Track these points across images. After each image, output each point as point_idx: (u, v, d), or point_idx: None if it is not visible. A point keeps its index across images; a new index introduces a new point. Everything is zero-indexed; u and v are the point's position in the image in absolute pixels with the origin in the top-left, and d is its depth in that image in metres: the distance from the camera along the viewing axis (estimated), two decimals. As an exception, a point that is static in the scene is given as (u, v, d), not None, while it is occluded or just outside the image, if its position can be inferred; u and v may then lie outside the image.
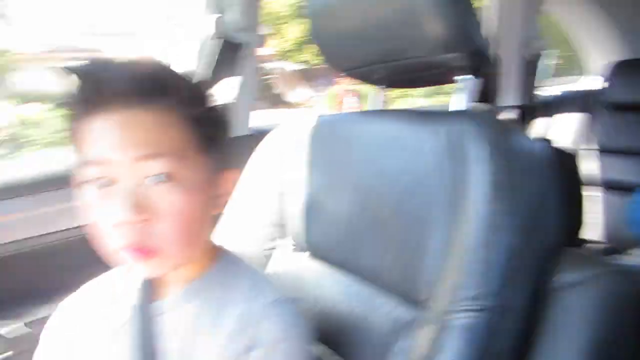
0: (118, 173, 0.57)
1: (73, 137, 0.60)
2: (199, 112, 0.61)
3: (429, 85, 1.02)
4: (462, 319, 0.54)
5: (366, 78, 1.01)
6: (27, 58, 12.56)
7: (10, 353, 1.10)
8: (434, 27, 0.72)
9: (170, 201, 0.57)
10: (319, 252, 0.91)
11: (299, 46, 17.50)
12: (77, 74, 0.57)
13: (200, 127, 0.61)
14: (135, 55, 0.61)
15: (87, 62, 0.58)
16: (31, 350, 1.11)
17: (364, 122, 0.86)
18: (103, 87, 0.56)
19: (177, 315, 0.66)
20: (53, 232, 1.20)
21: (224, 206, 0.69)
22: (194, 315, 0.65)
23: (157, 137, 0.57)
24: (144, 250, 0.57)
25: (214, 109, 0.65)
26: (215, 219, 0.72)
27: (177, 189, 0.57)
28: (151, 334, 0.66)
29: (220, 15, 1.32)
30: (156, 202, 0.57)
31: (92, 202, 0.58)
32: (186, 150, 0.59)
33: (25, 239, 1.17)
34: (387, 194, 0.75)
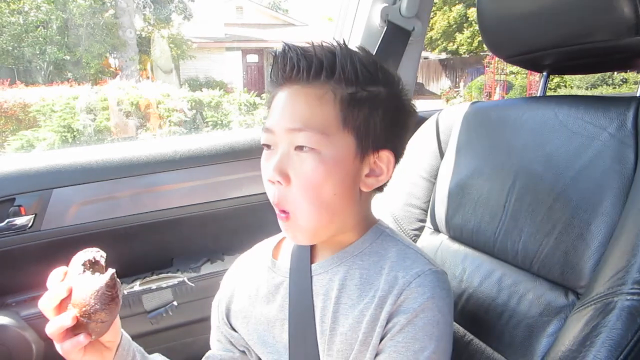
0: (276, 140, 0.67)
1: (268, 108, 0.73)
2: (353, 93, 0.66)
3: (607, 71, 0.96)
4: (626, 301, 0.52)
5: (532, 65, 0.98)
6: (201, 47, 14.17)
7: (175, 303, 1.28)
8: (627, 8, 0.69)
9: (305, 170, 0.65)
10: (459, 235, 0.92)
11: (446, 35, 16.95)
12: (273, 56, 0.69)
13: (352, 107, 0.66)
14: (314, 41, 0.68)
15: (282, 46, 0.68)
16: (192, 301, 1.31)
17: (527, 108, 0.85)
18: (283, 66, 0.67)
19: (328, 277, 0.72)
20: (227, 199, 1.36)
21: (376, 185, 0.71)
22: (342, 279, 0.71)
23: (308, 113, 0.65)
24: (282, 210, 0.67)
25: (376, 92, 0.68)
26: (369, 196, 0.74)
27: (315, 161, 0.64)
28: (307, 292, 0.72)
29: (389, 2, 1.36)
30: (295, 169, 0.65)
31: (263, 159, 0.70)
32: (332, 127, 0.65)
33: (205, 203, 1.34)
34: (554, 180, 0.73)
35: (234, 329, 0.81)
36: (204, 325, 1.33)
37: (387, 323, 0.65)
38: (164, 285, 1.27)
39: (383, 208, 1.07)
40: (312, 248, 0.76)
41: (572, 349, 0.56)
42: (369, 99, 0.67)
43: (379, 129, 0.68)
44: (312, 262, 0.75)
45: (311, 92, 0.65)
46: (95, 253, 0.62)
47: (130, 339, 0.71)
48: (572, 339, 0.57)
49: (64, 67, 11.69)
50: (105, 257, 0.62)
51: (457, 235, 0.93)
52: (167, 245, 1.36)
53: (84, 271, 0.60)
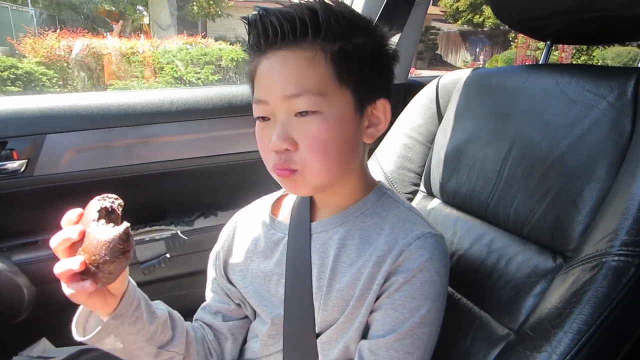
0: (273, 110, 0.66)
1: (249, 79, 0.71)
2: (341, 48, 0.64)
3: (614, 42, 0.96)
4: (613, 262, 0.54)
5: (537, 33, 0.98)
6: (231, 6, 13.92)
7: (167, 255, 1.30)
8: None
9: (310, 132, 0.64)
10: (452, 199, 0.94)
11: (473, 7, 16.67)
12: (248, 22, 0.66)
13: (343, 62, 0.64)
14: (289, 1, 0.66)
15: (256, 11, 0.65)
16: (184, 254, 1.32)
17: (528, 75, 0.85)
18: (265, 32, 0.64)
19: (328, 236, 0.73)
20: (223, 155, 1.36)
21: (377, 135, 0.72)
22: (342, 238, 0.72)
23: (301, 77, 0.63)
24: (286, 170, 0.66)
25: (362, 43, 0.67)
26: (366, 147, 0.74)
27: (319, 122, 0.64)
28: (306, 249, 0.74)
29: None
30: (299, 133, 0.65)
31: (258, 132, 0.69)
32: (328, 86, 0.64)
33: (200, 157, 1.33)
34: (550, 147, 0.74)
35: (230, 282, 0.83)
36: (196, 279, 1.36)
37: (384, 281, 0.67)
38: (157, 237, 1.28)
39: (377, 170, 1.07)
40: (313, 207, 0.77)
41: (558, 306, 0.58)
42: (356, 50, 0.65)
43: (371, 79, 0.68)
44: (312, 220, 0.76)
45: (300, 55, 0.63)
46: (113, 201, 0.61)
47: (136, 286, 0.71)
48: (558, 297, 0.59)
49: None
50: (122, 206, 0.61)
51: (450, 199, 0.95)
52: (161, 197, 1.36)
53: (99, 219, 0.59)
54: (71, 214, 0.61)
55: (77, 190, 1.17)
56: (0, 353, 1.14)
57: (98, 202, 0.60)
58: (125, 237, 0.57)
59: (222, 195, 1.39)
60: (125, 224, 0.58)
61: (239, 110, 1.33)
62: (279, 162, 0.66)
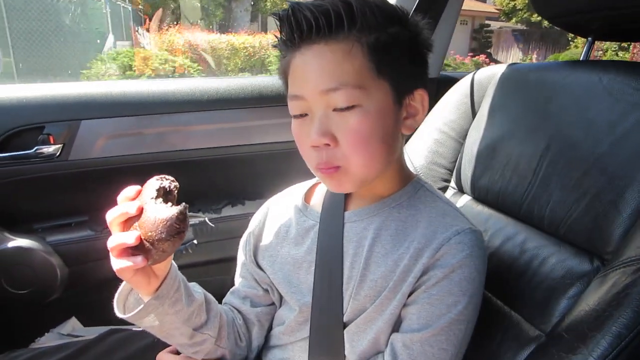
0: (310, 106, 0.65)
1: (282, 75, 0.70)
2: (377, 38, 0.63)
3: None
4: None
5: (578, 28, 0.95)
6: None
7: (195, 241, 1.32)
8: None
9: (351, 127, 0.63)
10: (484, 196, 0.92)
11: (530, 6, 16.35)
12: (279, 17, 0.65)
13: (380, 53, 0.63)
14: None
15: (289, 6, 0.63)
16: (211, 241, 1.33)
17: (570, 71, 0.83)
18: (298, 27, 0.63)
19: (362, 225, 0.73)
20: (251, 145, 1.36)
21: (415, 126, 0.70)
22: (378, 228, 0.71)
23: (339, 70, 0.62)
24: (329, 168, 0.65)
25: (397, 33, 0.65)
26: (404, 139, 0.73)
27: (359, 116, 0.63)
28: (338, 238, 0.73)
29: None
30: (339, 129, 0.63)
31: (295, 129, 0.68)
32: (366, 79, 0.63)
33: (229, 146, 1.34)
34: (592, 146, 0.72)
35: (259, 267, 0.83)
36: (222, 266, 1.37)
37: (422, 275, 0.66)
38: (185, 224, 1.29)
39: (408, 164, 1.06)
40: (347, 196, 0.76)
41: (596, 309, 0.56)
42: (392, 41, 0.64)
43: (408, 69, 0.67)
44: (345, 209, 0.75)
45: (336, 48, 0.62)
46: (171, 183, 0.61)
47: (177, 268, 0.72)
48: (596, 299, 0.57)
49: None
50: (178, 188, 0.62)
51: (482, 196, 0.93)
52: (190, 185, 1.35)
53: (157, 197, 0.60)
54: (129, 191, 0.61)
55: (109, 176, 1.19)
56: (32, 330, 1.17)
57: (157, 182, 0.61)
58: (182, 218, 0.58)
59: (250, 185, 1.40)
60: (184, 205, 0.59)
61: (269, 101, 1.33)
62: (322, 161, 0.65)
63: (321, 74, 0.63)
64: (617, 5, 0.78)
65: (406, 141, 1.10)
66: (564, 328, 0.61)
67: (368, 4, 0.63)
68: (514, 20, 16.98)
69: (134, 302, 0.70)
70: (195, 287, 0.78)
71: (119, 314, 0.69)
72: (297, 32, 0.63)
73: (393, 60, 0.64)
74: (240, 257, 0.87)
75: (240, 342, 0.82)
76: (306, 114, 0.66)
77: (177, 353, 0.81)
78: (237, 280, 0.88)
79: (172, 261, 0.70)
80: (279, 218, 0.83)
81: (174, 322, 0.71)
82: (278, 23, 0.65)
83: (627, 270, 0.56)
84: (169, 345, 0.85)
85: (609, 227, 0.66)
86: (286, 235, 0.80)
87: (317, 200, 0.80)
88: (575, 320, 0.60)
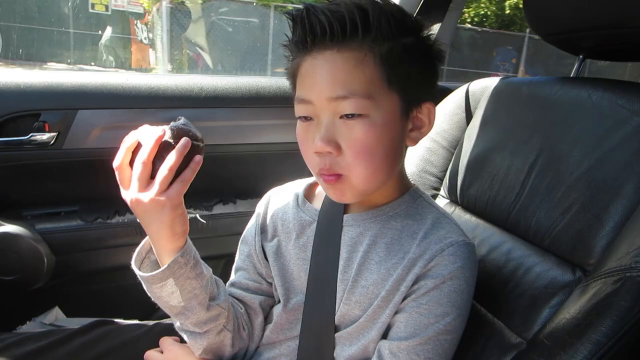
0: (317, 111, 0.65)
1: (290, 76, 0.70)
2: (390, 49, 0.62)
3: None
4: (637, 277, 0.54)
5: (570, 46, 0.97)
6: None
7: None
8: None
9: (356, 137, 0.63)
10: (472, 206, 0.94)
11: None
12: (292, 18, 0.64)
13: (392, 64, 0.63)
14: None
15: (301, 6, 0.63)
16: (202, 238, 1.32)
17: (560, 87, 0.85)
18: (312, 30, 0.62)
19: (359, 230, 0.73)
20: (246, 144, 1.36)
21: (420, 138, 0.70)
22: (374, 235, 0.72)
23: (349, 79, 0.62)
24: (331, 175, 0.65)
25: (410, 43, 0.65)
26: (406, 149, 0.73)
27: (365, 126, 0.63)
28: (336, 239, 0.74)
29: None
30: (344, 137, 0.63)
31: (300, 132, 0.68)
32: (376, 89, 0.63)
33: (223, 144, 1.34)
34: (579, 160, 0.74)
35: (266, 258, 0.83)
36: (212, 263, 1.35)
37: (413, 284, 0.67)
38: (176, 219, 1.29)
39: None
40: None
41: (577, 317, 0.58)
42: (405, 52, 0.64)
43: (418, 82, 0.67)
44: (345, 212, 0.76)
45: (348, 56, 0.61)
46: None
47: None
48: (577, 308, 0.59)
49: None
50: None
51: (470, 206, 0.95)
52: None
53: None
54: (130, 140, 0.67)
55: (103, 166, 1.18)
56: (15, 317, 1.17)
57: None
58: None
59: (243, 184, 1.41)
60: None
61: (266, 101, 1.34)
62: (324, 167, 0.65)
63: (331, 81, 0.62)
64: (606, 25, 0.81)
65: None
66: (545, 335, 0.63)
67: (384, 12, 0.62)
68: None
69: (150, 265, 0.71)
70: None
71: (138, 272, 0.69)
72: (310, 35, 0.63)
73: (404, 71, 0.64)
74: (243, 250, 0.86)
75: (243, 330, 0.81)
76: (312, 118, 0.66)
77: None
78: (236, 272, 0.87)
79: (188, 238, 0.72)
80: (279, 210, 0.83)
81: (195, 287, 0.70)
82: (291, 23, 0.65)
83: (607, 280, 0.58)
84: (154, 340, 0.85)
85: (592, 239, 0.68)
86: (283, 228, 0.81)
87: (317, 198, 0.81)
88: (556, 328, 0.61)
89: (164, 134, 0.65)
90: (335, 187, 0.67)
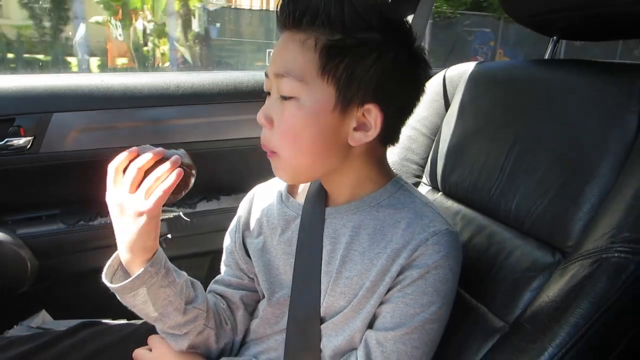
0: (270, 86, 0.69)
1: None
2: (338, 40, 0.62)
3: (618, 38, 0.95)
4: (613, 258, 0.54)
5: (544, 28, 0.98)
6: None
7: (169, 235, 1.32)
8: None
9: (285, 116, 0.66)
10: (454, 192, 0.94)
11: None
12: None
13: (332, 54, 0.62)
14: None
15: None
16: (186, 236, 1.33)
17: (536, 70, 0.85)
18: (279, 14, 0.66)
19: (341, 222, 0.73)
20: (226, 140, 1.36)
21: (364, 141, 0.67)
22: (356, 226, 0.72)
23: (290, 59, 0.65)
24: (267, 149, 0.70)
25: (367, 39, 0.63)
26: (373, 150, 0.71)
27: (294, 108, 0.65)
28: (318, 232, 0.74)
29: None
30: (277, 115, 0.67)
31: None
32: (310, 75, 0.64)
33: (204, 141, 1.34)
34: (555, 142, 0.74)
35: (247, 255, 0.84)
36: (196, 260, 1.37)
37: (397, 275, 0.67)
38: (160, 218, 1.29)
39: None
40: (328, 193, 0.77)
41: (556, 300, 0.58)
42: (355, 46, 0.63)
43: (364, 81, 0.64)
44: (327, 206, 0.76)
45: (297, 38, 0.64)
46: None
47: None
48: (556, 291, 0.59)
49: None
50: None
51: (452, 192, 0.95)
52: None
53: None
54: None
55: (82, 168, 1.18)
56: (1, 322, 1.16)
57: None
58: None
59: (225, 180, 1.40)
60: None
61: (244, 96, 1.33)
62: (262, 140, 0.70)
63: (277, 58, 0.67)
64: (580, 6, 0.81)
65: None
66: (526, 319, 0.63)
67: (341, 3, 0.62)
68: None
69: (122, 276, 0.72)
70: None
71: (109, 284, 0.71)
72: (279, 19, 0.67)
73: (345, 66, 0.63)
74: (227, 247, 0.87)
75: (226, 324, 0.83)
76: (270, 94, 0.70)
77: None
78: (222, 268, 0.89)
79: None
80: (263, 206, 0.84)
81: (169, 295, 0.72)
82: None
83: (584, 262, 0.59)
84: (142, 339, 0.85)
85: (569, 221, 0.69)
86: (267, 224, 0.81)
87: (301, 193, 0.81)
88: (536, 311, 0.62)
89: (163, 153, 0.70)
90: (272, 161, 0.71)
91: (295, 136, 0.66)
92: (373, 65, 0.64)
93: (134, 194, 0.67)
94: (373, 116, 0.66)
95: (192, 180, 0.72)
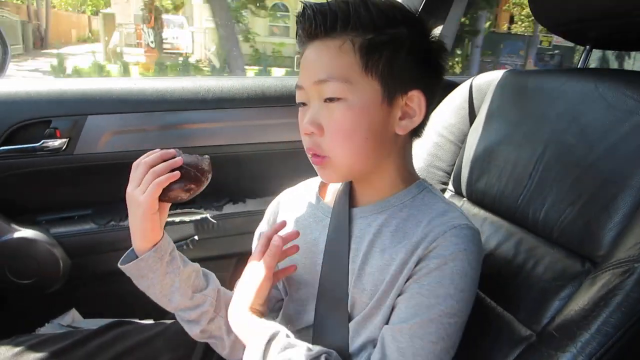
0: (308, 96, 0.71)
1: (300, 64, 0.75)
2: (372, 38, 0.67)
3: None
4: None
5: (577, 37, 0.97)
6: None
7: (196, 237, 1.35)
8: None
9: (335, 119, 0.68)
10: (481, 199, 0.94)
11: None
12: (297, 17, 0.72)
13: (371, 52, 0.67)
14: None
15: (302, 6, 0.70)
16: (212, 238, 1.36)
17: (567, 78, 0.84)
18: (304, 25, 0.70)
19: (367, 222, 0.75)
20: (253, 144, 1.38)
21: (411, 127, 0.72)
22: (380, 225, 0.73)
23: (330, 64, 0.68)
24: (316, 156, 0.72)
25: (396, 34, 0.68)
26: (405, 142, 0.76)
27: (343, 109, 0.68)
28: (345, 233, 0.76)
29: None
30: (326, 119, 0.69)
31: (299, 118, 0.74)
32: (354, 74, 0.68)
33: (232, 145, 1.36)
34: (586, 151, 0.74)
35: None
36: (223, 262, 1.39)
37: (415, 266, 0.67)
38: (187, 220, 1.32)
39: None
40: (356, 194, 0.79)
41: (586, 309, 0.58)
42: (389, 42, 0.68)
43: (404, 71, 0.69)
44: (354, 206, 0.78)
45: (331, 44, 0.68)
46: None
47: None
48: (586, 300, 0.59)
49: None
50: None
51: (478, 199, 0.95)
52: None
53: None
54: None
55: (113, 170, 1.21)
56: (33, 320, 1.20)
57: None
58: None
59: (251, 183, 1.42)
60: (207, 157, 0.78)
61: (272, 101, 1.35)
62: (309, 147, 0.72)
63: (316, 67, 0.70)
64: (615, 14, 0.80)
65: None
66: (555, 327, 0.63)
67: (366, 4, 0.67)
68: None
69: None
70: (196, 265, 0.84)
71: (120, 265, 0.78)
72: (304, 30, 0.71)
73: (385, 60, 0.68)
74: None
75: None
76: (306, 104, 0.72)
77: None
78: None
79: (166, 234, 0.79)
80: (292, 210, 0.86)
81: (174, 280, 0.79)
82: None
83: (616, 271, 0.58)
84: (170, 339, 0.87)
85: (600, 230, 0.68)
86: (296, 226, 0.83)
87: (330, 196, 0.83)
88: (566, 320, 0.62)
89: (175, 154, 0.75)
90: (321, 169, 0.73)
91: (349, 136, 0.69)
92: (408, 56, 0.69)
93: (138, 188, 0.73)
94: (416, 102, 0.71)
95: (204, 185, 0.77)
